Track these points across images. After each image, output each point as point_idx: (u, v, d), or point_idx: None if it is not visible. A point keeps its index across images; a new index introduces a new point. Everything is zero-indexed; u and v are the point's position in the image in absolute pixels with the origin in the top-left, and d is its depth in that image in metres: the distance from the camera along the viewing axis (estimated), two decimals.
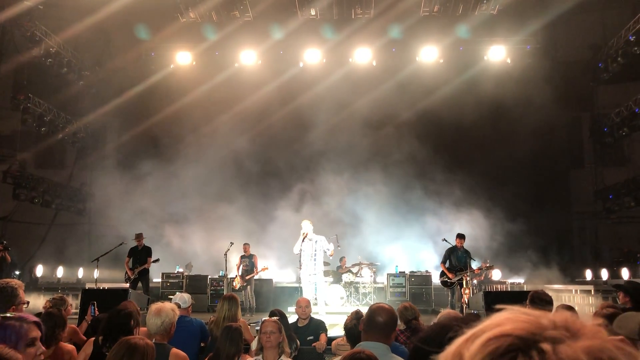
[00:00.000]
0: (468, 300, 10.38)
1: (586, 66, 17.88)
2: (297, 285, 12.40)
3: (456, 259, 11.38)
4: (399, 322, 5.52)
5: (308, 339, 6.01)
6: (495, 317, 0.74)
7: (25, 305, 3.65)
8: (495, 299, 8.74)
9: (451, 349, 0.75)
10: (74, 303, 8.57)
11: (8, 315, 2.79)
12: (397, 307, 5.56)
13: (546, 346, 0.67)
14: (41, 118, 15.87)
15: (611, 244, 17.24)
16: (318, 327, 6.26)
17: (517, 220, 15.95)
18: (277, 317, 4.97)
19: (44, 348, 2.79)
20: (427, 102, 16.69)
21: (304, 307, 6.33)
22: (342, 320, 5.18)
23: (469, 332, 0.74)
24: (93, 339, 4.33)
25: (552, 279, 14.98)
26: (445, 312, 4.39)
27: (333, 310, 11.94)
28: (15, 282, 3.59)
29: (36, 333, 2.68)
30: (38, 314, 4.74)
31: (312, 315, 6.65)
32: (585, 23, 17.77)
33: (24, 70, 16.29)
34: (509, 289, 14.31)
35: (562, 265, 15.79)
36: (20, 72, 16.37)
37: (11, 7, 14.49)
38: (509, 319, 0.72)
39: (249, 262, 12.96)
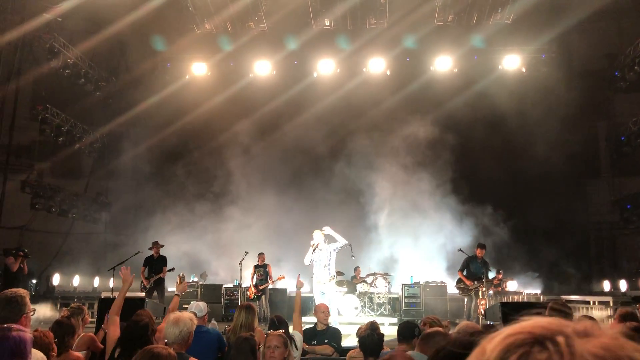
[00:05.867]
0: (484, 311, 10.26)
1: (602, 75, 17.67)
2: (311, 295, 12.35)
3: (475, 269, 11.32)
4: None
5: (324, 342, 6.24)
6: (520, 322, 0.79)
7: (32, 313, 3.67)
8: (512, 309, 8.59)
9: (477, 347, 0.80)
10: (90, 312, 8.62)
11: (11, 325, 2.82)
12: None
13: (560, 339, 0.72)
14: (59, 128, 16.09)
15: (629, 254, 16.95)
16: (333, 334, 6.43)
17: (532, 230, 15.77)
18: (283, 330, 4.90)
19: None
20: (441, 111, 16.65)
21: (325, 312, 6.56)
22: (355, 330, 5.14)
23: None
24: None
25: (569, 290, 14.78)
26: (463, 323, 4.38)
27: (347, 320, 11.87)
28: (22, 291, 3.61)
29: None
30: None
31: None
32: (601, 32, 17.63)
33: (42, 82, 16.51)
34: (526, 300, 14.11)
35: (579, 276, 15.54)
36: (39, 83, 16.60)
37: (31, 20, 14.78)
38: (531, 321, 0.77)
39: (263, 272, 12.97)
